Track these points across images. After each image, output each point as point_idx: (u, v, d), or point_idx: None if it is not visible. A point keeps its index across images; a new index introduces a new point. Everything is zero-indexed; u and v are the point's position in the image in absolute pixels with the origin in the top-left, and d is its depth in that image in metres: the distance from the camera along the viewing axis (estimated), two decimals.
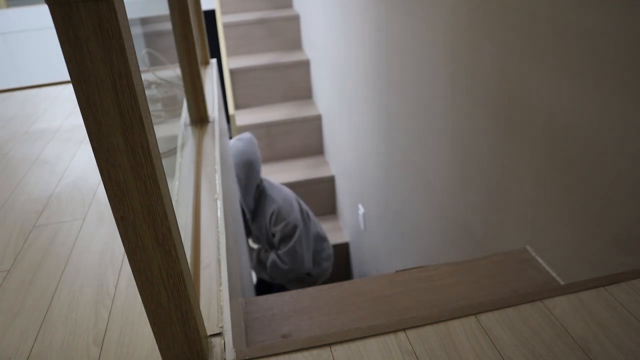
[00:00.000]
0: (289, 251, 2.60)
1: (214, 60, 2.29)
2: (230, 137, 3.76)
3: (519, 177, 1.17)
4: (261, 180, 2.67)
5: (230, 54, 3.90)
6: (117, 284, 0.94)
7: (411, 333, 0.75)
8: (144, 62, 1.87)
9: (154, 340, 0.67)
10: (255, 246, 2.90)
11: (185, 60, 1.52)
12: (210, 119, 1.63)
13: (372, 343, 0.74)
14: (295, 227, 2.61)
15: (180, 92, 1.77)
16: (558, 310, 0.77)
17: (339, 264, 3.34)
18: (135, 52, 0.53)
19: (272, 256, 2.64)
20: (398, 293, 1.12)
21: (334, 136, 3.18)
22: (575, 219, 1.01)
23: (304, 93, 3.83)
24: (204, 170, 1.33)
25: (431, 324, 0.76)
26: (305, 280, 2.75)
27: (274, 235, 2.64)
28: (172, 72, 1.84)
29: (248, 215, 2.67)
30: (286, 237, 2.60)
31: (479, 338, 0.73)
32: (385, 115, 2.12)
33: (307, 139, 3.73)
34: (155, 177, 0.55)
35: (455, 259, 1.59)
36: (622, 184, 0.88)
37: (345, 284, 1.18)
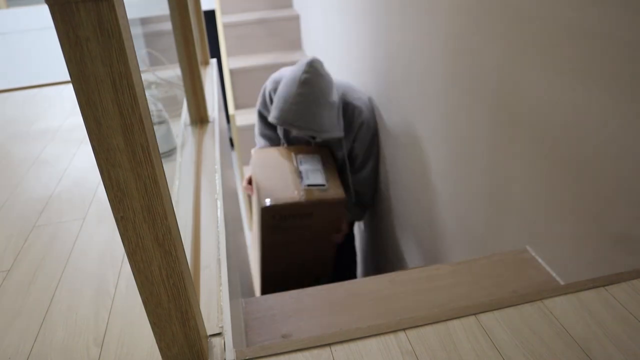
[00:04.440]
0: (371, 172, 2.31)
1: (214, 60, 2.29)
2: (230, 138, 3.77)
3: (519, 177, 1.17)
4: (338, 92, 2.18)
5: (230, 54, 3.90)
6: (117, 284, 0.94)
7: (411, 333, 0.75)
8: (144, 62, 1.87)
9: (154, 340, 0.67)
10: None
11: (185, 60, 1.52)
12: (210, 119, 1.63)
13: (372, 343, 0.74)
14: (373, 139, 2.24)
15: (180, 92, 1.77)
16: (558, 310, 0.77)
17: None
18: (135, 52, 0.53)
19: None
20: (398, 293, 1.12)
21: None
22: (575, 219, 1.01)
23: None
24: (204, 170, 1.33)
25: (431, 324, 0.76)
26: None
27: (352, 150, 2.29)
28: (172, 72, 1.84)
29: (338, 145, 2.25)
30: (370, 157, 2.29)
31: (479, 338, 0.73)
32: (385, 114, 2.12)
33: None
34: (155, 177, 0.55)
35: (455, 259, 1.59)
36: (622, 184, 0.88)
37: (345, 284, 1.18)
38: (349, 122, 2.20)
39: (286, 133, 2.42)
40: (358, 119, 2.17)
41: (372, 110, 2.28)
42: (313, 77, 2.01)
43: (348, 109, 2.18)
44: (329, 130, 2.10)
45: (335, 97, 2.10)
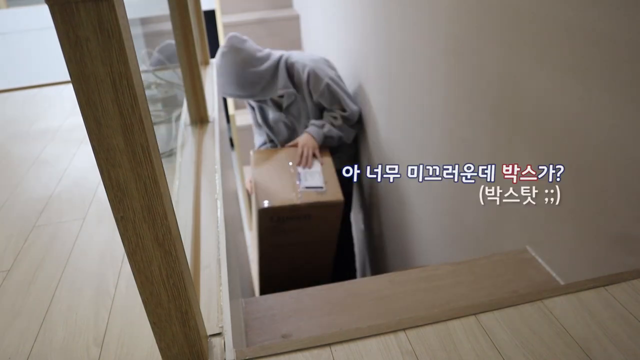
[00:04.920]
0: (342, 116, 2.40)
1: (214, 60, 2.29)
2: (230, 138, 3.77)
3: None
4: (280, 57, 2.43)
5: None
6: (117, 284, 0.94)
7: (411, 333, 0.75)
8: (144, 62, 1.87)
9: (154, 340, 0.67)
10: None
11: (185, 60, 1.52)
12: (210, 119, 1.63)
13: (372, 343, 0.73)
14: (327, 86, 2.36)
15: (180, 92, 1.77)
16: (558, 310, 0.77)
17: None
18: (135, 52, 0.53)
19: (327, 131, 2.39)
20: (398, 293, 1.12)
21: None
22: (575, 219, 1.01)
23: None
24: (204, 170, 1.33)
25: (431, 324, 0.76)
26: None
27: (318, 104, 2.43)
28: (172, 72, 1.84)
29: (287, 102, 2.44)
30: (333, 102, 2.39)
31: (479, 338, 0.73)
32: (385, 115, 2.12)
33: None
34: (155, 177, 0.55)
35: (455, 259, 1.59)
36: (622, 184, 0.88)
37: (345, 284, 1.18)
38: (298, 79, 2.39)
39: (262, 112, 2.62)
40: (303, 73, 2.36)
41: (324, 62, 2.44)
42: (228, 51, 2.30)
43: (293, 69, 2.39)
44: (260, 94, 2.40)
45: (261, 67, 2.37)
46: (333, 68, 2.48)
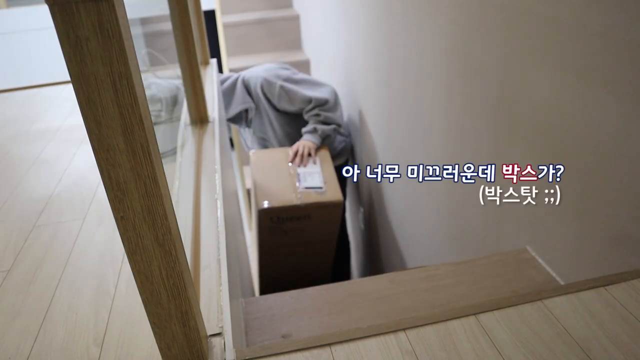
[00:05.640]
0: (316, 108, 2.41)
1: (214, 60, 2.29)
2: (230, 138, 3.77)
3: None
4: (237, 78, 2.54)
5: (230, 54, 3.90)
6: (117, 284, 0.94)
7: (411, 333, 0.75)
8: (144, 62, 1.87)
9: (154, 340, 0.67)
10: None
11: (185, 60, 1.52)
12: (210, 119, 1.63)
13: (372, 343, 0.73)
14: (281, 87, 2.40)
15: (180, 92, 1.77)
16: (558, 310, 0.77)
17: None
18: (135, 52, 0.53)
19: (318, 128, 2.42)
20: (398, 293, 1.12)
21: None
22: (575, 219, 1.01)
23: None
24: (204, 170, 1.33)
25: (431, 324, 0.76)
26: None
27: (285, 110, 2.49)
28: (172, 72, 1.84)
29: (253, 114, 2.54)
30: (294, 100, 2.41)
31: (479, 338, 0.73)
32: (385, 114, 2.12)
33: None
34: (155, 177, 0.55)
35: (455, 259, 1.59)
36: (622, 184, 0.88)
37: (345, 284, 1.18)
38: (255, 92, 2.51)
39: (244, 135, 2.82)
40: (257, 85, 2.48)
41: (276, 68, 2.53)
42: None
43: (250, 85, 2.52)
44: (226, 112, 2.50)
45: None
46: (288, 69, 2.55)
